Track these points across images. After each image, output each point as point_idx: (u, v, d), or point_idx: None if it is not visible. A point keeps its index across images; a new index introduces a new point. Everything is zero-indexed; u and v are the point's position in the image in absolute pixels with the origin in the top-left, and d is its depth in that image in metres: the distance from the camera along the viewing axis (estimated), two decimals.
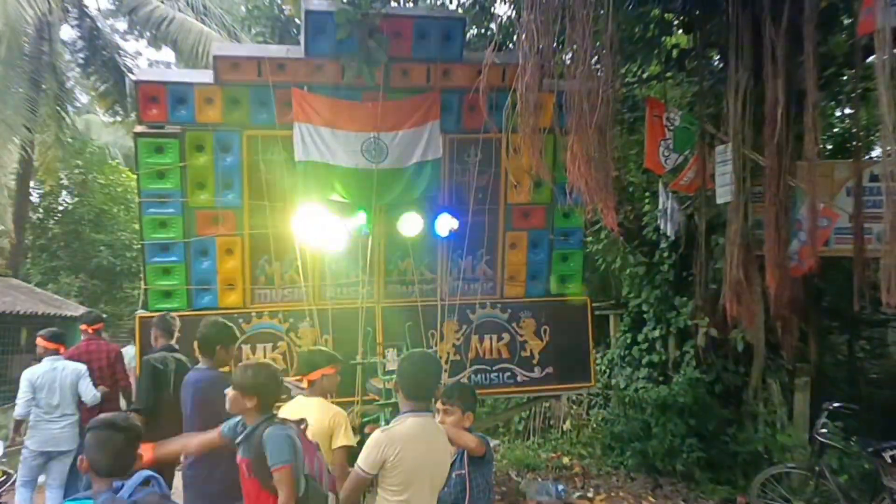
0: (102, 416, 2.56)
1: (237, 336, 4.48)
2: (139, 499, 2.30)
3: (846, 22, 7.37)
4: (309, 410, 3.51)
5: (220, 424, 3.27)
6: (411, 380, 3.11)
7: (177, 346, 5.36)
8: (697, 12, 7.37)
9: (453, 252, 6.55)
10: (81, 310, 13.80)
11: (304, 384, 3.91)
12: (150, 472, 2.42)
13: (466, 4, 9.85)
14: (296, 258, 6.16)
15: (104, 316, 7.78)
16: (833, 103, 9.84)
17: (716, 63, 8.56)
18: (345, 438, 3.65)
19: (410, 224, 6.11)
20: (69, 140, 17.36)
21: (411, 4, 9.95)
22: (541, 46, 4.49)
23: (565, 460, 9.08)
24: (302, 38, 5.81)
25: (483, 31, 9.59)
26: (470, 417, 3.46)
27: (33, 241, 18.76)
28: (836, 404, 6.08)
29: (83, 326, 6.56)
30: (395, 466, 2.89)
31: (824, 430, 6.01)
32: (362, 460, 2.94)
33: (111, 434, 2.44)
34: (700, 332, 7.94)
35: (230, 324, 4.35)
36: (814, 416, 6.70)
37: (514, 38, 5.62)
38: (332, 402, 3.94)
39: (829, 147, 9.73)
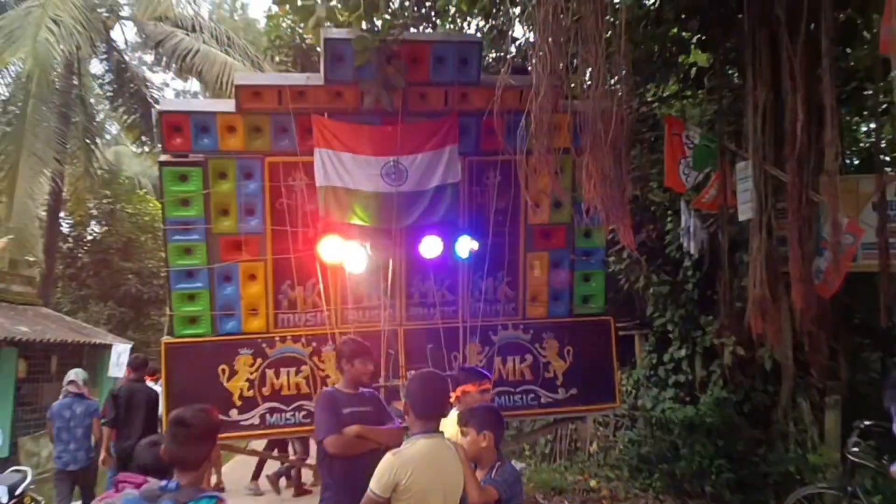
0: (176, 410, 2.74)
1: None
2: None
3: (867, 36, 7.32)
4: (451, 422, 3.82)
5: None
6: (421, 399, 3.11)
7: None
8: (715, 30, 7.37)
9: (474, 274, 6.55)
10: (110, 337, 14.02)
11: (453, 399, 4.30)
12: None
13: (485, 29, 9.97)
14: (318, 282, 6.21)
15: (148, 360, 8.18)
16: (857, 118, 9.76)
17: (735, 80, 8.55)
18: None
19: (431, 246, 6.13)
20: (99, 171, 17.75)
21: (430, 30, 10.09)
22: (555, 67, 4.52)
23: (592, 483, 8.98)
24: (321, 65, 5.91)
25: (502, 54, 9.68)
26: (487, 437, 3.36)
27: (63, 271, 19.14)
28: (867, 422, 5.96)
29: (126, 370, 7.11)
30: (408, 489, 2.88)
31: (856, 450, 5.89)
32: (374, 483, 2.94)
33: (178, 430, 2.66)
34: (726, 351, 7.85)
35: None
36: (845, 435, 6.56)
37: (532, 60, 5.65)
38: None
39: (856, 162, 9.63)
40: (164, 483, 2.54)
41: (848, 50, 7.64)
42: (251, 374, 6.24)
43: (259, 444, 9.16)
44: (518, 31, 9.81)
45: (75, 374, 7.63)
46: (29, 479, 6.40)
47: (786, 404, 7.53)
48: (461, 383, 4.41)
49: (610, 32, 5.30)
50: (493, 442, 3.37)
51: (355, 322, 6.45)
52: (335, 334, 6.28)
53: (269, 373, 6.27)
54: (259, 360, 6.26)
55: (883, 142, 8.25)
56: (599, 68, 4.55)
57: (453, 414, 4.04)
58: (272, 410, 6.26)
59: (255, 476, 9.95)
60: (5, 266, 12.30)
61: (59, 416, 7.29)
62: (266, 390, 6.25)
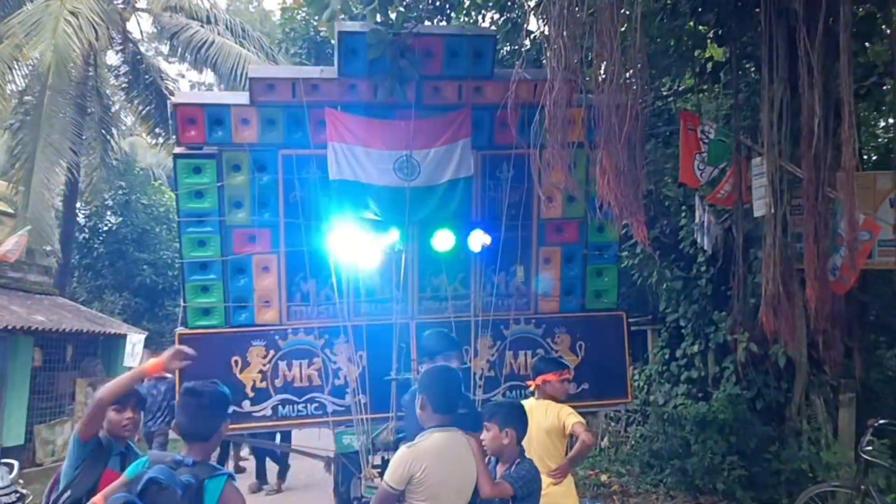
0: (188, 383, 2.81)
1: None
2: (147, 485, 2.46)
3: (886, 31, 7.23)
4: (538, 412, 3.97)
5: None
6: (437, 392, 3.12)
7: None
8: (731, 24, 7.30)
9: (486, 268, 6.55)
10: (125, 327, 14.14)
11: (533, 388, 4.62)
12: (170, 474, 2.52)
13: (499, 22, 9.92)
14: (331, 275, 6.22)
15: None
16: (875, 113, 9.65)
17: (751, 75, 8.47)
18: (574, 417, 4.29)
19: (443, 240, 6.13)
20: (114, 162, 17.86)
21: (444, 23, 10.06)
22: (570, 61, 4.50)
23: (603, 478, 8.97)
24: (335, 58, 5.91)
25: (516, 48, 9.64)
26: (510, 434, 3.34)
27: (79, 261, 19.27)
28: (882, 421, 5.91)
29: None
30: (423, 482, 2.90)
31: (870, 448, 5.84)
32: (389, 476, 2.95)
33: (188, 399, 2.72)
34: (740, 347, 7.81)
35: None
36: (859, 433, 6.52)
37: (547, 53, 5.63)
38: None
39: (873, 158, 9.53)
40: (178, 456, 2.58)
41: (867, 44, 7.55)
42: (264, 365, 6.27)
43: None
44: (532, 24, 9.76)
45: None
46: (15, 472, 6.42)
47: (799, 401, 7.48)
48: (542, 373, 4.58)
49: (625, 26, 5.27)
50: (516, 439, 3.36)
51: (367, 315, 6.47)
52: (348, 327, 6.31)
53: (282, 364, 6.31)
54: (272, 352, 6.30)
55: None
56: (614, 62, 4.52)
57: (532, 401, 4.28)
58: (284, 402, 6.30)
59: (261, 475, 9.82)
60: (23, 257, 12.40)
61: (149, 395, 8.76)
62: (278, 382, 6.28)
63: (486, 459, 3.30)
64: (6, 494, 6.44)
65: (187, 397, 2.71)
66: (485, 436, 3.35)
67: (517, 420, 3.39)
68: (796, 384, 7.51)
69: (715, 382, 8.79)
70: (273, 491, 9.51)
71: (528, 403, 4.26)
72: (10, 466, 7.08)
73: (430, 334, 4.29)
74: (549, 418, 4.33)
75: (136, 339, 12.47)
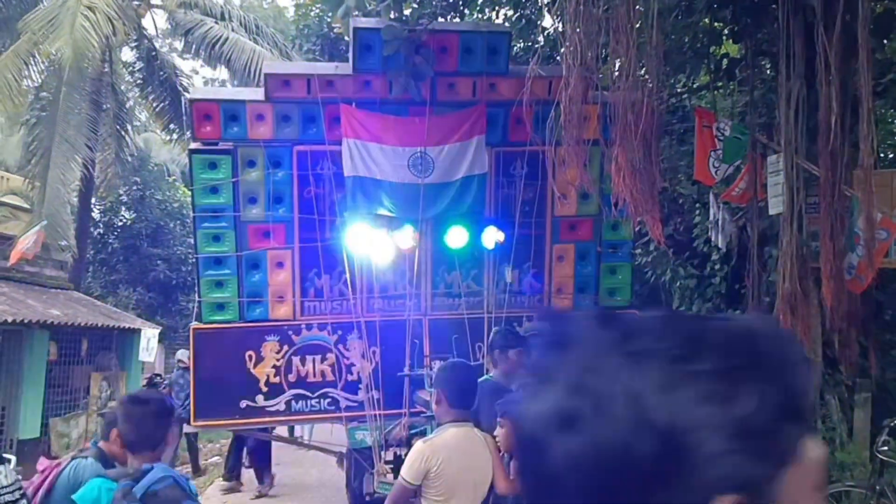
0: (130, 392, 2.67)
1: None
2: (158, 490, 2.32)
3: None
4: None
5: None
6: (452, 388, 3.13)
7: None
8: (747, 21, 7.25)
9: (500, 265, 6.55)
10: (139, 322, 14.24)
11: None
12: (174, 472, 2.44)
13: (513, 18, 9.90)
14: (344, 271, 6.25)
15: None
16: (893, 111, 9.56)
17: (767, 72, 8.40)
18: None
19: (457, 237, 6.14)
20: (129, 158, 17.98)
21: (458, 20, 10.04)
22: (585, 58, 4.48)
23: None
24: (350, 54, 5.93)
25: (530, 44, 9.61)
26: None
27: (94, 256, 19.42)
28: None
29: None
30: (439, 476, 2.91)
31: (885, 448, 5.80)
32: (406, 471, 2.97)
33: (132, 407, 2.59)
34: None
35: None
36: (875, 433, 6.47)
37: (561, 50, 5.62)
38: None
39: (891, 156, 9.44)
40: (146, 466, 2.41)
41: (885, 41, 7.47)
42: (277, 360, 6.31)
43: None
44: (547, 21, 9.73)
45: (182, 353, 10.51)
46: (12, 465, 6.44)
47: (814, 401, 7.43)
48: None
49: (640, 23, 5.25)
50: None
51: (381, 311, 6.49)
52: (361, 322, 6.33)
53: (296, 360, 6.34)
54: (285, 347, 6.33)
55: None
56: (630, 59, 4.50)
57: None
58: (297, 397, 6.33)
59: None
60: (39, 251, 12.51)
61: (177, 383, 10.30)
62: (292, 377, 6.31)
63: (501, 455, 3.30)
64: (10, 493, 6.45)
65: (132, 406, 2.59)
66: (499, 432, 3.35)
67: None
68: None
69: None
70: (260, 496, 9.17)
71: None
72: (7, 461, 7.09)
73: (500, 331, 4.23)
74: None
75: (150, 334, 12.56)
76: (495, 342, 4.04)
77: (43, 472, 3.11)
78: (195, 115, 6.06)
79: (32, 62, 13.54)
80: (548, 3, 7.65)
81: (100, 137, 15.77)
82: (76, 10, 12.84)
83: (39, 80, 14.55)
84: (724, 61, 8.35)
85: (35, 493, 3.15)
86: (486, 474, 3.13)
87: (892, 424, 5.86)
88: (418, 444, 3.01)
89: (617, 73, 4.80)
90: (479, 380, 3.97)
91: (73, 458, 3.22)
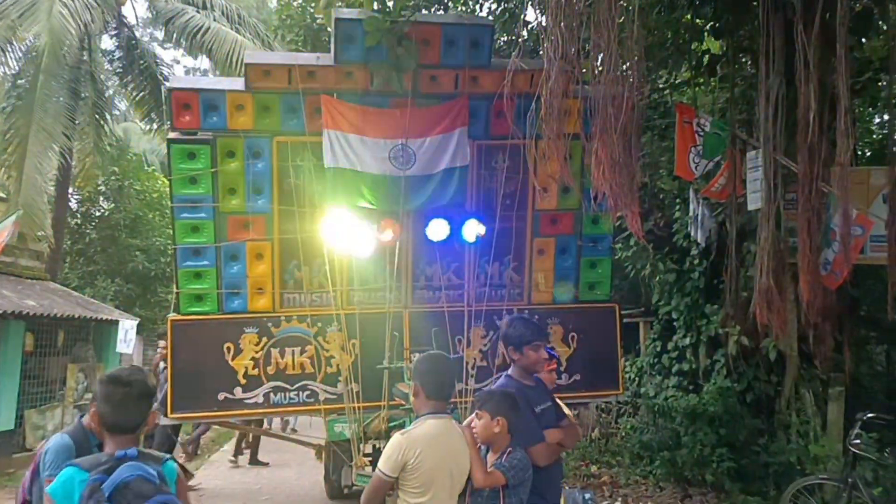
0: (111, 370, 2.63)
1: None
2: (128, 483, 2.26)
3: (883, 26, 7.24)
4: None
5: None
6: (432, 379, 3.12)
7: None
8: (728, 17, 7.29)
9: (480, 258, 6.55)
10: (116, 313, 14.09)
11: None
12: (143, 468, 2.34)
13: (497, 12, 9.89)
14: (324, 263, 6.22)
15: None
16: (871, 109, 9.67)
17: (748, 68, 8.47)
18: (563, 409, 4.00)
19: (438, 230, 6.13)
20: (107, 147, 17.75)
21: (442, 11, 10.02)
22: (566, 52, 4.48)
23: (593, 468, 9.02)
24: (332, 45, 5.88)
25: (513, 38, 9.61)
26: (501, 423, 3.28)
27: (71, 246, 19.18)
28: (869, 414, 5.96)
29: None
30: (416, 469, 2.91)
31: (857, 441, 5.89)
32: (383, 463, 2.96)
33: (113, 388, 2.47)
34: (731, 340, 7.84)
35: None
36: (848, 426, 6.57)
37: (545, 44, 5.61)
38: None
39: (868, 153, 9.55)
40: (119, 453, 2.36)
41: (863, 40, 7.55)
42: (256, 352, 6.28)
43: None
44: (530, 15, 9.74)
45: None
46: None
47: (789, 395, 7.52)
48: None
49: (623, 18, 5.26)
50: (507, 428, 3.33)
51: (361, 303, 6.48)
52: (341, 315, 6.31)
53: (274, 352, 6.32)
54: (264, 339, 6.31)
55: None
56: (611, 53, 4.51)
57: None
58: (276, 389, 6.31)
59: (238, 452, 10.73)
60: (14, 241, 12.33)
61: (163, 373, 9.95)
62: (271, 369, 6.29)
63: (478, 448, 3.30)
64: None
65: (113, 387, 2.47)
66: (476, 423, 3.34)
67: (509, 408, 3.36)
68: (786, 377, 7.55)
69: (706, 375, 8.83)
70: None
71: None
72: None
73: (514, 321, 3.78)
74: None
75: (128, 326, 12.44)
76: (509, 336, 3.65)
77: (38, 452, 3.10)
78: (174, 105, 5.99)
79: (9, 49, 13.31)
80: None
81: (78, 126, 15.55)
82: None
83: (17, 68, 14.33)
84: (706, 58, 8.41)
85: (31, 475, 3.17)
86: (464, 466, 3.13)
87: (864, 418, 5.94)
88: (396, 437, 3.00)
89: (599, 68, 4.81)
90: (497, 382, 3.76)
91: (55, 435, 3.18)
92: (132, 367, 2.63)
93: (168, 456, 2.55)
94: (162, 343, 8.00)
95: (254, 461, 10.41)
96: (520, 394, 3.51)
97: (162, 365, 8.74)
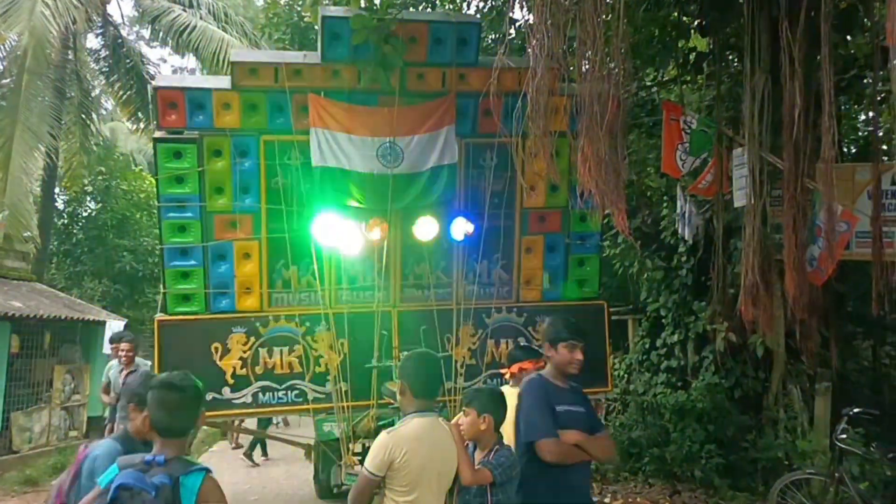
0: (162, 375, 2.70)
1: None
2: (121, 492, 2.37)
3: (868, 24, 7.29)
4: (509, 400, 3.61)
5: None
6: (418, 377, 3.12)
7: None
8: (715, 15, 7.32)
9: (469, 256, 6.55)
10: (104, 314, 14.01)
11: (508, 376, 4.61)
12: (142, 478, 2.42)
13: (485, 10, 9.90)
14: (312, 262, 6.20)
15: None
16: (856, 106, 9.74)
17: (734, 66, 8.51)
18: None
19: (426, 228, 6.11)
20: (94, 147, 17.63)
21: (430, 9, 10.01)
22: (552, 49, 4.49)
23: None
24: (318, 43, 5.86)
25: (501, 36, 9.61)
26: (487, 420, 3.31)
27: (58, 247, 19.03)
28: (856, 410, 6.00)
29: None
30: (403, 467, 2.90)
31: (844, 436, 5.93)
32: (369, 462, 2.95)
33: (167, 393, 2.56)
34: (718, 337, 7.88)
35: None
36: (835, 421, 6.61)
37: (532, 42, 5.61)
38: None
39: (853, 150, 9.62)
40: (148, 457, 2.48)
41: (848, 37, 7.61)
42: (244, 352, 6.25)
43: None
44: (518, 13, 9.73)
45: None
46: None
47: (776, 391, 7.57)
48: (518, 360, 4.52)
49: (609, 15, 5.27)
50: (493, 426, 3.34)
51: (349, 302, 6.46)
52: (329, 314, 6.29)
53: (263, 352, 6.29)
54: (252, 339, 6.28)
55: (880, 131, 8.22)
56: (597, 51, 4.52)
57: (507, 389, 4.10)
58: (265, 389, 6.28)
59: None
60: (0, 241, 12.25)
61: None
62: (259, 369, 6.26)
63: (465, 445, 3.30)
64: None
65: (166, 391, 2.57)
66: (463, 421, 3.35)
67: (495, 406, 3.38)
68: (774, 374, 7.60)
69: (694, 372, 8.87)
70: None
71: (505, 391, 4.23)
72: None
73: (553, 318, 3.86)
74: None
75: (115, 327, 12.36)
76: (546, 332, 3.70)
77: (78, 457, 3.15)
78: (160, 103, 5.94)
79: None
80: None
81: (64, 126, 15.45)
82: None
83: (0, 67, 14.21)
84: (692, 55, 8.44)
85: (71, 479, 3.19)
86: (451, 465, 3.13)
87: (850, 413, 5.98)
88: (382, 435, 2.99)
89: (583, 65, 4.81)
90: (526, 378, 3.78)
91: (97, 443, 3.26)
92: (183, 373, 2.69)
93: (202, 466, 2.59)
94: (124, 346, 7.59)
95: (249, 454, 10.63)
96: (542, 389, 3.53)
97: (116, 366, 7.87)
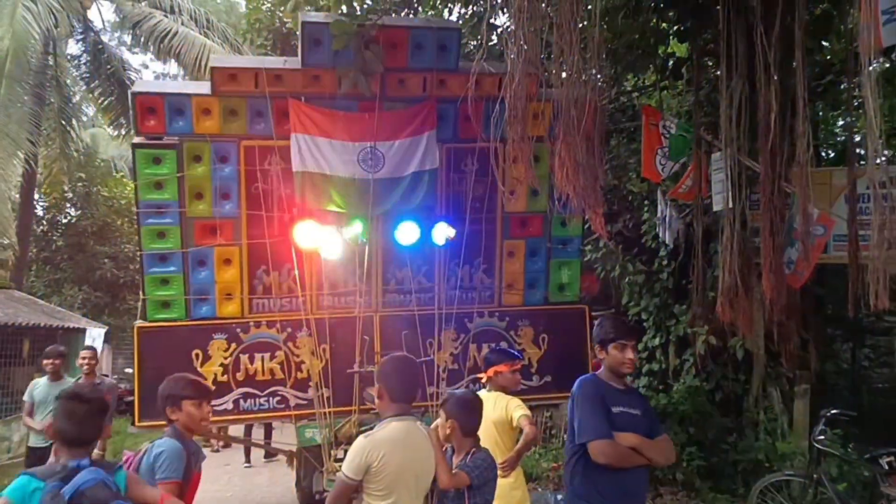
0: (70, 387, 2.80)
1: None
2: (86, 490, 2.43)
3: (843, 29, 7.38)
4: (487, 404, 3.68)
5: None
6: (394, 382, 3.13)
7: None
8: (692, 21, 7.39)
9: (451, 261, 6.56)
10: (84, 321, 13.89)
11: (484, 380, 4.67)
12: (102, 473, 2.55)
13: (466, 16, 9.92)
14: (293, 268, 6.18)
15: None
16: (834, 111, 9.86)
17: (712, 71, 8.58)
18: (521, 410, 4.27)
19: (407, 233, 6.12)
20: (74, 153, 17.51)
21: (412, 15, 10.02)
22: (530, 55, 4.51)
23: None
24: (299, 49, 5.86)
25: (482, 42, 9.63)
26: (452, 426, 3.36)
27: (37, 254, 18.88)
28: (833, 411, 6.07)
29: None
30: (380, 471, 2.90)
31: (822, 438, 5.99)
32: (346, 466, 2.96)
33: (76, 404, 2.67)
34: (699, 340, 7.93)
35: None
36: (814, 423, 6.68)
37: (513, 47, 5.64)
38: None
39: (832, 155, 9.74)
40: (71, 463, 2.54)
41: (824, 43, 7.70)
42: (225, 359, 6.23)
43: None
44: (500, 18, 9.77)
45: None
46: None
47: (756, 393, 7.64)
48: (494, 364, 4.56)
49: (586, 21, 5.31)
50: (458, 431, 3.37)
51: (330, 308, 6.45)
52: (310, 320, 6.28)
53: (244, 358, 6.27)
54: (233, 345, 6.26)
55: (857, 135, 8.32)
56: (574, 56, 4.55)
57: (484, 393, 4.23)
58: (246, 396, 6.26)
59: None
60: None
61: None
62: (240, 375, 6.24)
63: (443, 449, 3.32)
64: None
65: (75, 403, 2.68)
66: (441, 424, 3.40)
67: (460, 411, 3.41)
68: (754, 376, 7.66)
69: (675, 375, 8.92)
70: None
71: (485, 395, 4.27)
72: None
73: (603, 320, 3.73)
74: (497, 410, 4.29)
75: (96, 334, 12.29)
76: (597, 334, 3.59)
77: (126, 460, 3.23)
78: (138, 109, 5.91)
79: None
80: (499, 1, 7.69)
81: (43, 132, 15.34)
82: (16, 0, 12.46)
83: None
84: (671, 61, 8.51)
85: None
86: (429, 468, 3.14)
87: (829, 414, 6.05)
88: (359, 440, 2.99)
89: (560, 70, 4.85)
90: (581, 378, 3.66)
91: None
92: (90, 384, 2.79)
93: (119, 463, 2.79)
94: (85, 353, 7.20)
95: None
96: (597, 390, 3.44)
97: (43, 383, 6.97)
